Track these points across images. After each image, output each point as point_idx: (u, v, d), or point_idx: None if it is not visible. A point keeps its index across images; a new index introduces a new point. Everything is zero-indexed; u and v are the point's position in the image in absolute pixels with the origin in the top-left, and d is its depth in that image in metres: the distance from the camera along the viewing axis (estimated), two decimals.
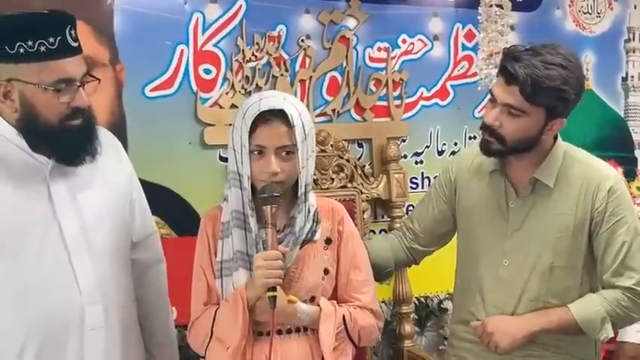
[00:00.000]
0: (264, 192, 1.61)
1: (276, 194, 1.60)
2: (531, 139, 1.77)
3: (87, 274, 1.60)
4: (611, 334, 1.82)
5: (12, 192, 1.54)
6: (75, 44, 1.54)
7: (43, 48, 1.48)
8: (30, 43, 1.47)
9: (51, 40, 1.48)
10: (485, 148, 1.82)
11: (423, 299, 2.83)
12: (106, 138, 1.71)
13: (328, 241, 1.73)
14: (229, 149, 1.66)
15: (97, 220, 1.65)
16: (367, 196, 2.61)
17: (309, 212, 1.69)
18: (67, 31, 1.52)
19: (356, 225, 2.49)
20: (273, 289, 1.57)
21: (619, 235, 1.79)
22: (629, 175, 3.28)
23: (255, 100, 1.63)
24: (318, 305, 1.70)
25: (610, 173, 1.85)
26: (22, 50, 1.47)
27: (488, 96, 1.83)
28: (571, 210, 1.81)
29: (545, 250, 1.82)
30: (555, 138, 1.85)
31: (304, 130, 1.62)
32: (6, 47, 1.48)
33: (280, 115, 1.60)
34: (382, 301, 2.69)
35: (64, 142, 1.56)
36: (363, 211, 2.59)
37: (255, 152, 1.62)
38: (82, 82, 1.56)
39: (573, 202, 1.82)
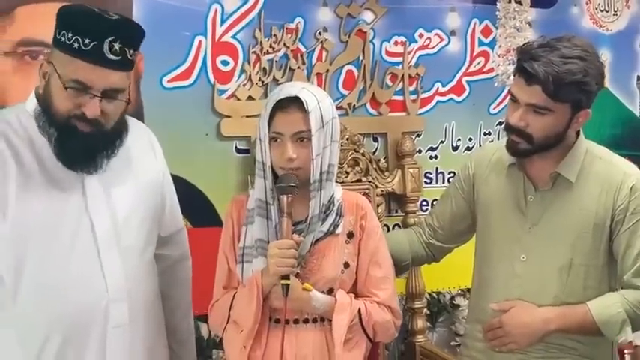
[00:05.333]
0: (282, 181, 1.64)
1: (292, 184, 1.62)
2: (559, 135, 1.76)
3: (115, 270, 1.60)
4: (630, 336, 1.78)
5: (47, 185, 1.55)
6: (111, 57, 1.50)
7: (76, 45, 1.49)
8: (69, 35, 1.49)
9: (86, 41, 1.49)
10: (513, 149, 1.80)
11: (435, 294, 2.82)
12: (140, 133, 1.72)
13: (350, 235, 1.73)
14: (257, 140, 1.69)
15: (128, 216, 1.65)
16: (382, 191, 2.60)
17: (333, 205, 1.70)
18: (105, 41, 1.50)
19: None
20: (286, 277, 1.59)
21: None
22: None
23: (277, 90, 1.69)
24: (335, 297, 1.70)
25: (632, 171, 1.82)
26: (62, 39, 1.51)
27: (509, 96, 1.79)
28: (592, 207, 1.78)
29: (564, 246, 1.79)
30: (578, 134, 1.84)
31: (322, 119, 1.64)
32: (57, 33, 1.52)
33: (297, 102, 1.63)
34: None
35: (66, 139, 1.54)
36: (378, 206, 2.58)
37: (275, 140, 1.65)
38: (103, 94, 1.52)
39: (594, 199, 1.79)
